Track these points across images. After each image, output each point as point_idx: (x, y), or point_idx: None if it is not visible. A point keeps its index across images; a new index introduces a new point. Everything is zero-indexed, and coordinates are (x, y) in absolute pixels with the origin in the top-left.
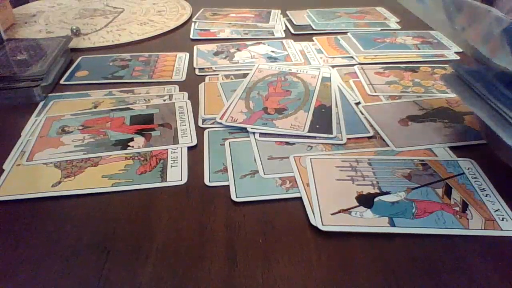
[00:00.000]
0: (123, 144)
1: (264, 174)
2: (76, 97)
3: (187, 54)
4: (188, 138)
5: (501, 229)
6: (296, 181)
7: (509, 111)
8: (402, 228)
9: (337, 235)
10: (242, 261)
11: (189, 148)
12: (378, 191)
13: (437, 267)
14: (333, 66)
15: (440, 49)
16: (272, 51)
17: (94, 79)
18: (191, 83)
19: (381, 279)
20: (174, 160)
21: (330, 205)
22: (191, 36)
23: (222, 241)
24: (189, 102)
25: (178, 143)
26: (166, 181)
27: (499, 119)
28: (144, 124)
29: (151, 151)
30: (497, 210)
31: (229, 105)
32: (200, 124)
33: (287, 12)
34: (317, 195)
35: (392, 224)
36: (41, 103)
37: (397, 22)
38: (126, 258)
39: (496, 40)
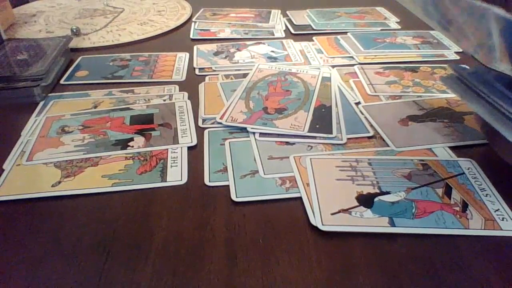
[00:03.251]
0: (123, 144)
1: (264, 174)
2: (76, 97)
3: (187, 54)
4: (188, 138)
5: (501, 229)
6: (296, 181)
7: (511, 109)
8: (402, 228)
9: (337, 235)
10: (242, 261)
11: (189, 148)
12: (378, 191)
13: (437, 267)
14: (333, 66)
15: (440, 49)
16: (272, 51)
17: (94, 79)
18: (191, 83)
19: (381, 279)
20: (174, 160)
21: (330, 205)
22: (191, 36)
23: (222, 241)
24: (189, 102)
25: (178, 143)
26: (166, 181)
27: (501, 117)
28: (144, 124)
29: (151, 151)
30: (497, 210)
31: (229, 105)
32: (200, 124)
33: (287, 12)
34: (317, 195)
35: (392, 224)
36: (41, 103)
37: (397, 22)
38: (126, 258)
39: (489, 48)
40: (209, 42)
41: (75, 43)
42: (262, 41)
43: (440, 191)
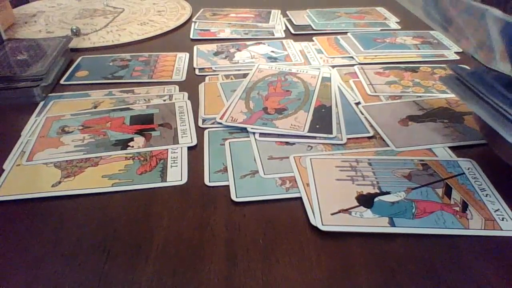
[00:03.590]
0: (123, 144)
1: (264, 174)
2: (76, 97)
3: (187, 54)
4: (188, 138)
5: (501, 229)
6: (296, 181)
7: (510, 109)
8: (402, 228)
9: (337, 235)
10: (242, 261)
11: (189, 148)
12: (378, 191)
13: (436, 267)
14: (333, 66)
15: (440, 49)
16: (272, 51)
17: (94, 79)
18: (191, 83)
19: (381, 279)
20: (174, 160)
21: (330, 205)
22: (191, 36)
23: (222, 241)
24: (189, 102)
25: (178, 143)
26: (166, 181)
27: (500, 117)
28: (144, 124)
29: (151, 151)
30: (497, 210)
31: (229, 105)
32: (200, 124)
33: (287, 12)
34: (317, 195)
35: (392, 224)
36: (41, 103)
37: (397, 22)
38: (126, 258)
39: (489, 47)
40: (209, 42)
41: (75, 43)
42: (262, 41)
43: (440, 191)
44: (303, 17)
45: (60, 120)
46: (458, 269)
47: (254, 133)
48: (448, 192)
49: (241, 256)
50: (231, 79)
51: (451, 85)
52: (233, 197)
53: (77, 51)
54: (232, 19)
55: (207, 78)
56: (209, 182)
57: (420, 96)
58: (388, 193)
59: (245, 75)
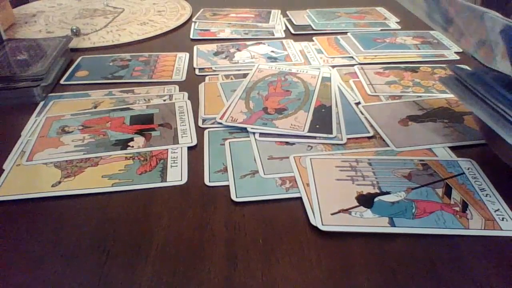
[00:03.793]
0: (123, 144)
1: (264, 174)
2: (76, 97)
3: (187, 54)
4: (188, 138)
5: (501, 229)
6: (296, 181)
7: (509, 110)
8: (402, 228)
9: (337, 235)
10: (242, 261)
11: (189, 148)
12: (378, 191)
13: (437, 267)
14: (333, 66)
15: (440, 49)
16: (272, 51)
17: (94, 79)
18: (191, 83)
19: (381, 279)
20: (174, 160)
21: (330, 205)
22: (191, 36)
23: (222, 241)
24: (189, 102)
25: (178, 143)
26: (166, 181)
27: (499, 118)
28: (144, 124)
29: (151, 151)
30: (497, 210)
31: (229, 105)
32: (200, 124)
33: (287, 12)
34: (317, 195)
35: (392, 224)
36: (41, 103)
37: (397, 22)
38: (126, 258)
39: (489, 46)
40: (209, 42)
41: (75, 43)
42: (262, 41)
43: (440, 191)
44: (303, 17)
45: (60, 120)
46: (458, 269)
47: (254, 133)
48: (448, 192)
49: (241, 256)
50: (231, 79)
51: (451, 85)
52: (233, 197)
53: (77, 51)
54: (232, 19)
55: (207, 78)
56: (209, 182)
57: (420, 96)
58: (388, 193)
59: (245, 75)
